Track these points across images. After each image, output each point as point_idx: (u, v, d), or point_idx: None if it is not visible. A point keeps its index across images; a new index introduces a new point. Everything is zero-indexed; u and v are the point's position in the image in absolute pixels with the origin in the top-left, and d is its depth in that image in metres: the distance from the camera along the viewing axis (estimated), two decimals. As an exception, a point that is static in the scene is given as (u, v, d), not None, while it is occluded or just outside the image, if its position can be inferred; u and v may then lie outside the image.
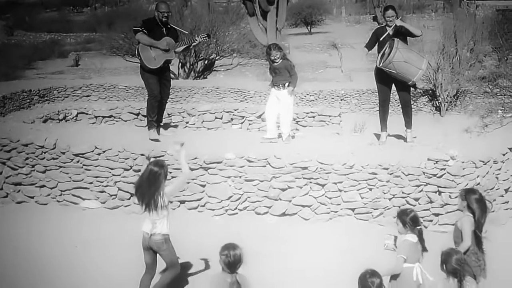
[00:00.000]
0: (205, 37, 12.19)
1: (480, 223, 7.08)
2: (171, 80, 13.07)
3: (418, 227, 6.82)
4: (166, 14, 11.64)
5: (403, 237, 6.84)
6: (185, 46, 11.98)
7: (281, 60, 11.29)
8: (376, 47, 11.81)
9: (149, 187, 7.38)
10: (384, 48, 11.42)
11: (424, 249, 6.87)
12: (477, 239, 7.13)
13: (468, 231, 7.01)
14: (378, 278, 5.87)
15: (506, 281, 8.44)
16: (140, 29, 11.62)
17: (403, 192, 10.23)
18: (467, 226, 7.04)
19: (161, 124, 12.52)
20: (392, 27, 11.40)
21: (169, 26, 11.87)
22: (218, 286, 6.22)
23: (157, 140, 11.54)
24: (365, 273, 5.95)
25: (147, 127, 12.09)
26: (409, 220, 6.79)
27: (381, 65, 11.34)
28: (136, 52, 11.80)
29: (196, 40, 11.93)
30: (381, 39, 11.57)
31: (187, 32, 12.35)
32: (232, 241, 9.73)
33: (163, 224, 7.50)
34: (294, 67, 11.52)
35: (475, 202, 7.10)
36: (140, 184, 7.52)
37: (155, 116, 11.91)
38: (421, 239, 6.82)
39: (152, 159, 7.77)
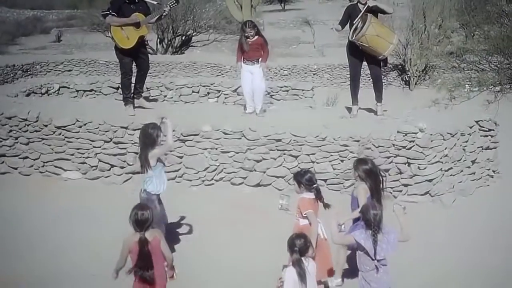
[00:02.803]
0: (174, 3, 12.00)
1: (373, 191, 7.23)
2: (150, 54, 13.09)
3: (314, 186, 7.09)
4: None
5: (299, 196, 7.13)
6: (157, 16, 11.87)
7: (256, 37, 11.46)
8: (348, 24, 11.84)
9: (145, 147, 7.88)
10: (357, 22, 11.48)
11: (326, 206, 7.12)
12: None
13: (363, 198, 7.13)
14: (303, 239, 6.17)
15: (473, 248, 8.79)
16: (108, 12, 11.51)
17: (373, 164, 10.51)
18: (362, 193, 7.20)
19: (142, 95, 12.60)
20: (365, 7, 11.42)
21: (136, 0, 11.67)
22: (127, 246, 6.31)
23: (133, 115, 11.60)
24: (292, 235, 6.29)
25: (123, 103, 12.16)
26: (304, 180, 7.07)
27: (354, 38, 11.41)
28: (110, 35, 11.76)
29: (166, 8, 11.78)
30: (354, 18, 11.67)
31: (155, 3, 12.37)
32: (209, 210, 10.05)
33: (151, 182, 7.90)
34: (267, 44, 11.70)
35: (364, 172, 7.28)
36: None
37: (129, 93, 12.00)
38: (319, 197, 7.08)
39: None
